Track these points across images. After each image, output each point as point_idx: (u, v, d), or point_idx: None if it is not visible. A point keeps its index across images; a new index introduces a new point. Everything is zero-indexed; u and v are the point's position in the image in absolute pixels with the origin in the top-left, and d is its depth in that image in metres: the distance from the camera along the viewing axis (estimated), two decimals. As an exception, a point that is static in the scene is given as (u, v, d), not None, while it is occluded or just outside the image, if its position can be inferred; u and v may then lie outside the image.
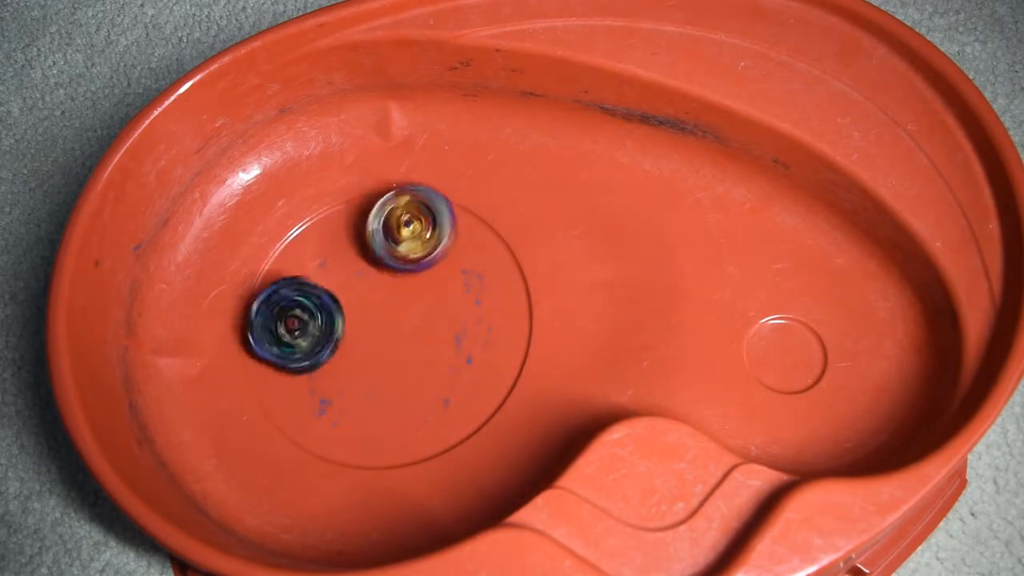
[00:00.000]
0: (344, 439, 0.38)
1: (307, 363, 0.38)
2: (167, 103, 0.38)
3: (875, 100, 0.38)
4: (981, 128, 0.36)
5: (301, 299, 0.38)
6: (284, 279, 0.39)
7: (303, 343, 0.38)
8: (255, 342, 0.38)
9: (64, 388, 0.33)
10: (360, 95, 0.43)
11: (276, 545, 0.35)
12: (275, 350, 0.38)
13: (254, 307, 0.38)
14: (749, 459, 0.31)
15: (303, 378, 0.39)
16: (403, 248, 0.39)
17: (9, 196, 0.49)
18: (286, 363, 0.38)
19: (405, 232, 0.39)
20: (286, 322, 0.38)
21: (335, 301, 0.39)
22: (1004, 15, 0.52)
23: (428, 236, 0.39)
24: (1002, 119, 0.38)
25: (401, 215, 0.39)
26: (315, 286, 0.39)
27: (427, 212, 0.40)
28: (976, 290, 0.34)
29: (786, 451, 0.36)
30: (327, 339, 0.38)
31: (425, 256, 0.39)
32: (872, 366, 0.37)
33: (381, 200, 0.40)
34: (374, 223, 0.39)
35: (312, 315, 0.38)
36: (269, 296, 0.38)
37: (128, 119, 0.39)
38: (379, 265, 0.41)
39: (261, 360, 0.39)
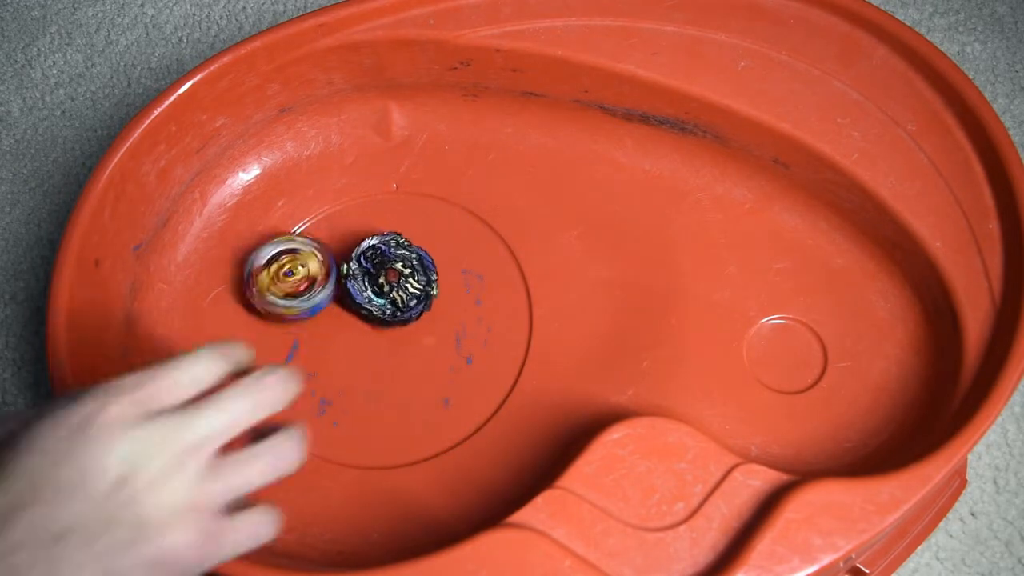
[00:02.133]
0: (344, 439, 0.38)
1: (401, 316, 0.39)
2: (167, 103, 0.38)
3: (875, 100, 0.38)
4: (981, 128, 0.36)
5: (402, 252, 0.39)
6: (385, 235, 0.40)
7: (401, 295, 0.39)
8: (351, 286, 0.39)
9: (64, 388, 0.33)
10: (360, 95, 0.43)
11: (276, 545, 0.35)
12: (374, 299, 0.39)
13: (356, 253, 0.39)
14: (749, 459, 0.31)
15: (303, 378, 0.39)
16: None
17: (9, 196, 0.49)
18: (382, 314, 0.39)
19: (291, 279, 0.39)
20: (386, 273, 0.39)
21: (431, 260, 0.40)
22: (1004, 15, 0.52)
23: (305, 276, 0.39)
24: (1002, 119, 0.38)
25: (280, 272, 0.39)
26: (411, 244, 0.40)
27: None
28: (976, 290, 0.34)
29: (786, 451, 0.36)
30: (423, 296, 0.39)
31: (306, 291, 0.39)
32: (872, 366, 0.37)
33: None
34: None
35: (413, 271, 0.39)
36: (370, 248, 0.39)
37: (128, 119, 0.39)
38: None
39: (355, 308, 0.39)
